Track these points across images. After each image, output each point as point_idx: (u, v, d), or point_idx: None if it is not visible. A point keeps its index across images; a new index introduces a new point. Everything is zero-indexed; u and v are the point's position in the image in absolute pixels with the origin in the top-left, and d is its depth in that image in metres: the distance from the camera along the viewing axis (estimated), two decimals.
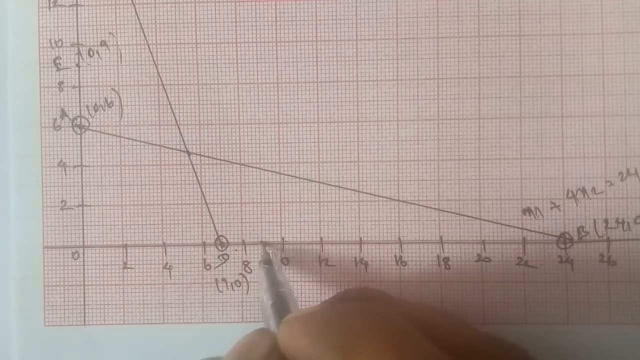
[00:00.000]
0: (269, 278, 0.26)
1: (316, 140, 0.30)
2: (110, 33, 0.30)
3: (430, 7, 0.29)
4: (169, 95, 0.30)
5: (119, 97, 0.30)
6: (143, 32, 0.30)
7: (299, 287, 0.29)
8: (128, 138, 0.30)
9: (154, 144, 0.30)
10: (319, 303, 0.29)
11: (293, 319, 0.22)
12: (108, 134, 0.30)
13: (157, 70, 0.30)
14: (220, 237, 0.30)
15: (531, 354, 0.26)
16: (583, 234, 0.29)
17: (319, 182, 0.30)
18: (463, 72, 0.29)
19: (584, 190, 0.29)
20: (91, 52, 0.30)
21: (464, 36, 0.29)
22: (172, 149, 0.30)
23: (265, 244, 0.30)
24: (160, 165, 0.30)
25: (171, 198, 0.30)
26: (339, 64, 0.30)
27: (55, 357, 0.30)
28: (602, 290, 0.29)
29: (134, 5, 0.30)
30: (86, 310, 0.30)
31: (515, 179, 0.29)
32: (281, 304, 0.25)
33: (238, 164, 0.30)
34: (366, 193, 0.29)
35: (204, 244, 0.30)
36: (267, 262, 0.28)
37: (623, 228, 0.29)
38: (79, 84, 0.30)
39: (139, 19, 0.30)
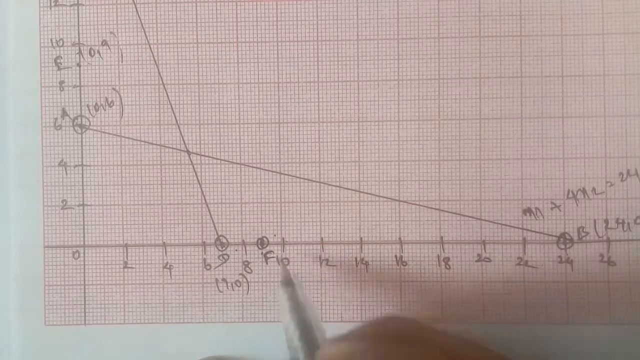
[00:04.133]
0: (291, 302, 0.25)
1: (317, 140, 0.30)
2: (111, 33, 0.30)
3: (431, 8, 0.29)
4: (169, 94, 0.30)
5: (120, 96, 0.30)
6: (144, 31, 0.30)
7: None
8: (128, 137, 0.30)
9: (155, 144, 0.30)
10: (349, 333, 0.28)
11: (335, 356, 0.22)
12: (109, 133, 0.30)
13: (158, 70, 0.30)
14: (221, 237, 0.30)
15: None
16: (583, 234, 0.29)
17: (319, 182, 0.30)
18: (464, 73, 0.29)
19: (584, 191, 0.29)
20: (92, 52, 0.30)
21: (465, 36, 0.29)
22: (173, 148, 0.30)
23: (284, 261, 0.30)
24: (161, 165, 0.30)
25: (171, 198, 0.30)
26: (340, 64, 0.30)
27: (56, 356, 0.30)
28: (602, 290, 0.29)
29: (135, 5, 0.30)
30: (86, 310, 0.30)
31: (515, 179, 0.29)
32: (309, 335, 0.24)
33: (238, 163, 0.30)
34: (367, 193, 0.29)
35: (204, 244, 0.30)
36: (288, 283, 0.27)
37: (623, 228, 0.29)
38: (80, 83, 0.30)
39: (140, 19, 0.30)
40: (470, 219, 0.29)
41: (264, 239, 0.30)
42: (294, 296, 0.26)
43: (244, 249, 0.30)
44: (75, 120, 0.30)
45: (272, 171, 0.30)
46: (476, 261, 0.29)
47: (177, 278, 0.30)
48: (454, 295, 0.29)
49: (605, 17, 0.29)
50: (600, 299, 0.29)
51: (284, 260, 0.30)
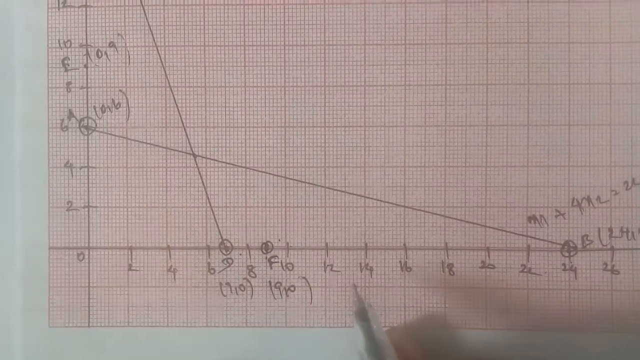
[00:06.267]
0: (367, 340, 0.25)
1: (323, 144, 0.30)
2: (118, 34, 0.30)
3: (439, 14, 0.29)
4: (176, 97, 0.30)
5: (127, 98, 0.30)
6: (151, 33, 0.30)
7: (304, 293, 0.30)
8: (134, 140, 0.30)
9: (160, 146, 0.30)
10: None
11: None
12: (115, 135, 0.30)
13: (165, 72, 0.30)
14: (225, 241, 0.30)
15: None
16: (587, 242, 0.29)
17: (324, 186, 0.30)
18: (471, 79, 0.29)
19: (589, 199, 0.29)
20: (99, 53, 0.30)
21: (472, 43, 0.29)
22: (178, 151, 0.30)
23: (356, 287, 0.29)
24: (166, 168, 0.30)
25: (176, 200, 0.30)
26: (346, 69, 0.30)
27: (59, 358, 0.30)
28: (605, 298, 0.29)
29: (143, 7, 0.30)
30: (90, 312, 0.30)
31: (521, 187, 0.29)
32: None
33: (244, 167, 0.30)
34: (372, 198, 0.29)
35: (208, 248, 0.30)
36: (363, 318, 0.26)
37: (627, 237, 0.29)
38: (87, 85, 0.30)
39: (147, 21, 0.30)
40: (475, 225, 0.29)
41: (269, 243, 0.30)
42: (370, 333, 0.26)
43: (248, 253, 0.30)
44: (82, 122, 0.30)
45: (278, 175, 0.30)
46: (480, 268, 0.29)
47: (181, 281, 0.30)
48: (457, 301, 0.29)
49: (612, 26, 0.29)
50: (603, 307, 0.29)
51: (356, 287, 0.29)
